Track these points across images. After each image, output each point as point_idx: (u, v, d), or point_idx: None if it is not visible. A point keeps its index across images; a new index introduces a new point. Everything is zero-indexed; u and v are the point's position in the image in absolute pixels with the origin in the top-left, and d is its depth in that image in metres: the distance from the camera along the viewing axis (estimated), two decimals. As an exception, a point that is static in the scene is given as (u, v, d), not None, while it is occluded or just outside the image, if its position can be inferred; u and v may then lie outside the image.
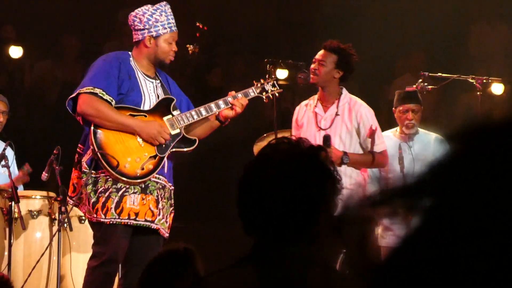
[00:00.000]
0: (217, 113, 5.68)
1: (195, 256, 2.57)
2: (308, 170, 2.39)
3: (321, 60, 6.31)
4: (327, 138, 6.12)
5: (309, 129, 6.35)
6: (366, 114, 6.37)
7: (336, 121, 6.32)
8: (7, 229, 6.42)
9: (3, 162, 6.53)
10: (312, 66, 6.34)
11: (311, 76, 6.32)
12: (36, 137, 9.62)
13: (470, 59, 10.02)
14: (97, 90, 5.34)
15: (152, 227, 5.41)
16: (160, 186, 5.48)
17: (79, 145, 5.55)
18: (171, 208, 5.57)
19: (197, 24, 8.68)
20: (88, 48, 10.02)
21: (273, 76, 6.25)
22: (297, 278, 2.35)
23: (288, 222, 2.35)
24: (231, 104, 5.68)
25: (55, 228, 6.56)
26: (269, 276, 2.33)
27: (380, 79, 10.38)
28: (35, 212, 6.62)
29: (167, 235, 5.50)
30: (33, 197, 6.68)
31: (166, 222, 5.49)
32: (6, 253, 6.41)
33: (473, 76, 7.54)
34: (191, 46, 7.66)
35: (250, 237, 2.41)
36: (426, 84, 7.41)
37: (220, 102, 5.67)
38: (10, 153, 6.67)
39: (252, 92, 5.87)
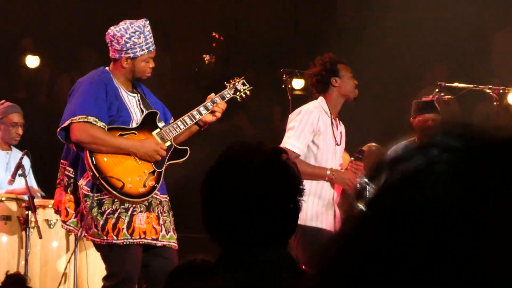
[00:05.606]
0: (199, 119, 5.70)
1: (212, 268, 2.53)
2: (274, 170, 2.35)
3: None
4: (363, 153, 6.13)
5: (329, 140, 6.09)
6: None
7: (343, 138, 6.25)
8: (24, 238, 6.44)
9: (20, 171, 6.55)
10: (355, 82, 6.12)
11: (357, 91, 6.12)
12: (52, 146, 9.63)
13: (488, 69, 9.97)
14: (91, 119, 5.32)
15: (158, 244, 5.41)
16: (158, 202, 5.49)
17: (65, 165, 5.52)
18: (173, 218, 5.56)
19: (214, 34, 8.70)
20: (105, 60, 10.05)
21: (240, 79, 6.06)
22: (272, 283, 2.31)
23: (257, 225, 2.30)
24: (212, 109, 5.67)
25: (71, 237, 6.56)
26: (243, 283, 2.29)
27: (398, 92, 10.32)
28: (52, 222, 6.63)
29: (176, 245, 5.49)
30: (49, 206, 6.67)
31: (175, 234, 5.50)
32: (23, 262, 6.42)
33: (490, 86, 7.51)
34: (207, 56, 7.69)
35: (217, 244, 2.35)
36: (442, 94, 7.38)
37: (201, 108, 5.67)
38: (27, 162, 6.68)
39: (228, 93, 5.85)
